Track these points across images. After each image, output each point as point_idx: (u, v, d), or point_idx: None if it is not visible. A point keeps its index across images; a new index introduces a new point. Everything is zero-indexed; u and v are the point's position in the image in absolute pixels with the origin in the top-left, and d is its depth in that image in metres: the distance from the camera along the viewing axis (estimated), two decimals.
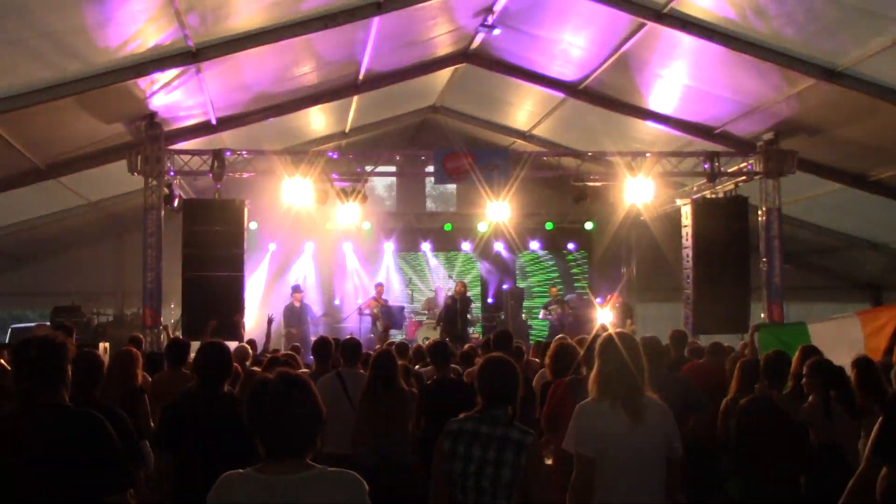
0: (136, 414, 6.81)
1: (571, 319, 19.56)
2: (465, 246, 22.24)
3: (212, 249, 15.18)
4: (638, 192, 16.47)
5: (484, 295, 22.58)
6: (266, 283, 20.74)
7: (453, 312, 19.17)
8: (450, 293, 20.32)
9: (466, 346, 11.21)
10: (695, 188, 17.88)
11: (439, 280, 22.53)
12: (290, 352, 10.67)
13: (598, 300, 19.53)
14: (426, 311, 21.20)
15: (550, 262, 23.16)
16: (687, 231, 16.68)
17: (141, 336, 12.81)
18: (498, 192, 16.33)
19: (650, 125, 16.59)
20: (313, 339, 11.09)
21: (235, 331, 14.29)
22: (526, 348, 10.94)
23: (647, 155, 16.67)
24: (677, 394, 6.82)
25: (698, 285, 16.22)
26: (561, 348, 7.47)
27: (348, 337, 8.97)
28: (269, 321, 13.35)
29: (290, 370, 3.64)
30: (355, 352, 8.47)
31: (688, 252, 16.58)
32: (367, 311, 20.00)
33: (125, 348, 8.08)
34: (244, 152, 16.23)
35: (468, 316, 19.94)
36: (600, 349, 5.06)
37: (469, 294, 20.44)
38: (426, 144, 19.58)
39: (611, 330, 5.35)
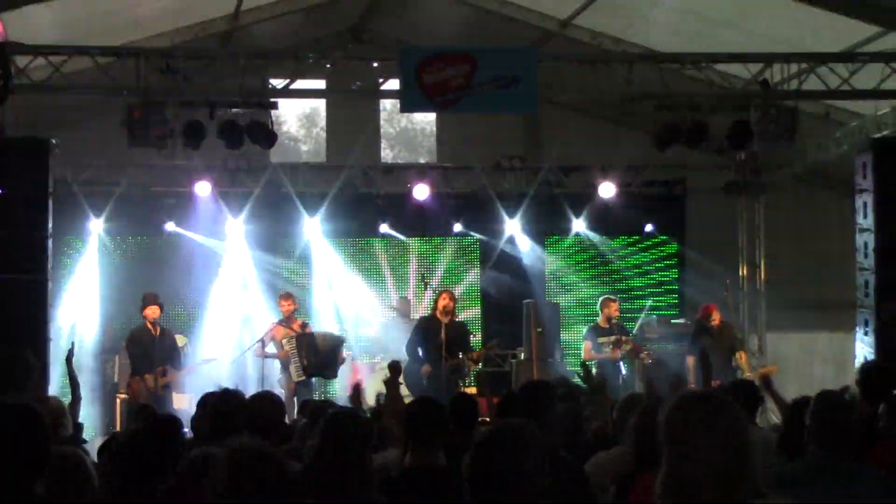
0: None
1: (651, 362, 12.55)
2: (456, 226, 14.59)
3: None
4: (775, 130, 11.39)
5: (487, 314, 14.74)
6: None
7: (435, 347, 11.80)
8: (425, 312, 12.89)
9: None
10: (877, 120, 12.24)
11: (405, 285, 14.81)
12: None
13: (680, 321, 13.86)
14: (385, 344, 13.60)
15: (597, 251, 15.06)
16: (864, 202, 11.53)
17: None
18: (514, 130, 15.18)
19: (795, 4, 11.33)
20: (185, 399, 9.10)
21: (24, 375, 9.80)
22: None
23: (790, 63, 11.60)
24: None
25: (886, 298, 11.25)
26: (646, 414, 4.69)
27: (260, 393, 6.37)
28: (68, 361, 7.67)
29: None
30: (273, 419, 5.70)
31: (866, 240, 11.47)
32: (267, 341, 12.48)
33: None
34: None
35: (460, 355, 12.29)
36: (667, 428, 3.09)
37: (460, 317, 12.76)
38: (383, 41, 15.50)
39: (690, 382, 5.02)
